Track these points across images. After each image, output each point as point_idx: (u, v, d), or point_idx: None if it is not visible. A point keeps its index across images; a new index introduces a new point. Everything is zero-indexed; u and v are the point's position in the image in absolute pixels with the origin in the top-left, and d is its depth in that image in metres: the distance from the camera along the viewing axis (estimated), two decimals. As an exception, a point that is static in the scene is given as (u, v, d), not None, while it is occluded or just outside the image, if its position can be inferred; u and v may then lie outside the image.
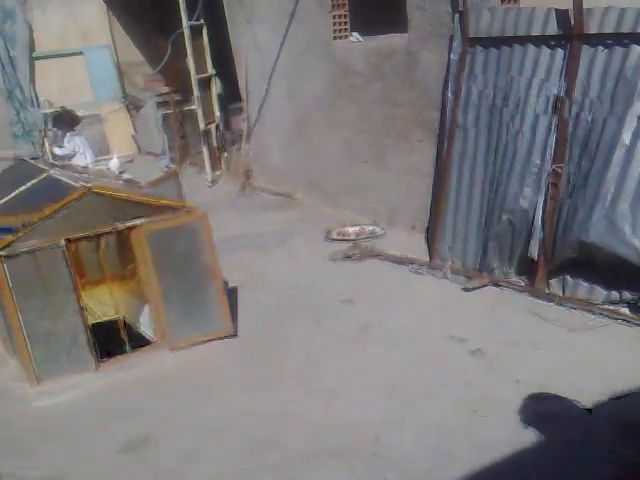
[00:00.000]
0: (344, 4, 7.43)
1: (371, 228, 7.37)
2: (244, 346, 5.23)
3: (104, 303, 5.44)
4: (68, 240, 4.66)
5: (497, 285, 5.69)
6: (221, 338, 5.23)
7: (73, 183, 5.02)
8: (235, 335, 5.30)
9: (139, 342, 5.26)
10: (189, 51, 9.84)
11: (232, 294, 5.86)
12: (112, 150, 12.66)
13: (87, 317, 4.88)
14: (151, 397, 4.68)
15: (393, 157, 7.18)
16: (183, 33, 9.77)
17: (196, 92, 10.08)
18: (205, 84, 10.39)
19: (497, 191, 5.69)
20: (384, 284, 6.08)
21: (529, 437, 3.79)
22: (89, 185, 4.82)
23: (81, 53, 12.78)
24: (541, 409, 4.03)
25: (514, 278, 5.73)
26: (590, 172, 5.01)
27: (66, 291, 4.71)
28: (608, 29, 4.85)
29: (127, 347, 5.14)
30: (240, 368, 4.95)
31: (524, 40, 5.37)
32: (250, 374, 4.84)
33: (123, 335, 5.15)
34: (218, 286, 5.17)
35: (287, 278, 6.46)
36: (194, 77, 9.99)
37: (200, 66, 10.16)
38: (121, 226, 4.83)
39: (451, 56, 6.02)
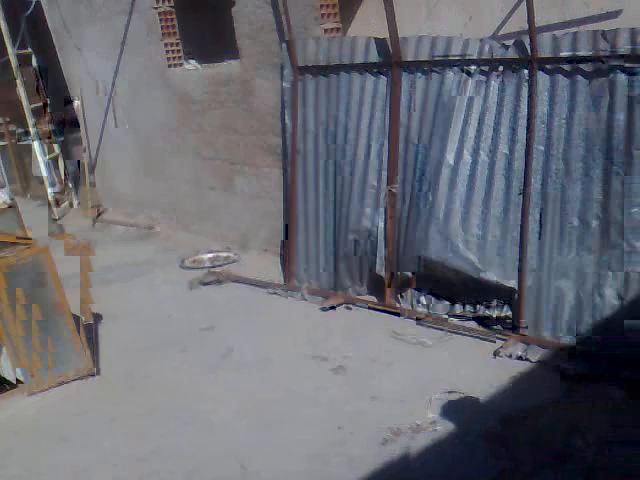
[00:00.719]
0: (174, 32, 7.39)
1: (226, 254, 7.40)
2: (106, 384, 5.08)
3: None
4: None
5: (352, 304, 5.88)
6: (81, 378, 5.07)
7: None
8: (95, 373, 5.15)
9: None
10: (18, 80, 9.40)
11: (89, 331, 5.60)
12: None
13: None
14: (8, 446, 4.42)
15: (241, 182, 7.23)
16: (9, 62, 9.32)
17: (30, 122, 9.63)
18: (40, 113, 9.94)
19: (341, 212, 5.89)
20: (243, 309, 6.12)
21: (392, 449, 3.94)
22: None
23: None
24: (400, 421, 4.17)
25: (367, 296, 5.95)
26: (422, 191, 5.31)
27: None
28: (423, 56, 5.15)
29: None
30: (103, 407, 4.78)
31: (349, 68, 5.58)
32: (114, 412, 4.69)
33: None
34: (69, 323, 4.98)
35: (145, 310, 6.34)
36: (27, 106, 9.55)
37: (33, 95, 9.73)
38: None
39: (283, 84, 6.14)
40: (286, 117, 6.20)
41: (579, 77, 4.52)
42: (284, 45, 6.03)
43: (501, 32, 5.25)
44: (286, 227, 6.54)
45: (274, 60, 6.23)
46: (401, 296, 5.65)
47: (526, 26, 4.62)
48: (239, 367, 5.12)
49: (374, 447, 3.98)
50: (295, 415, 4.41)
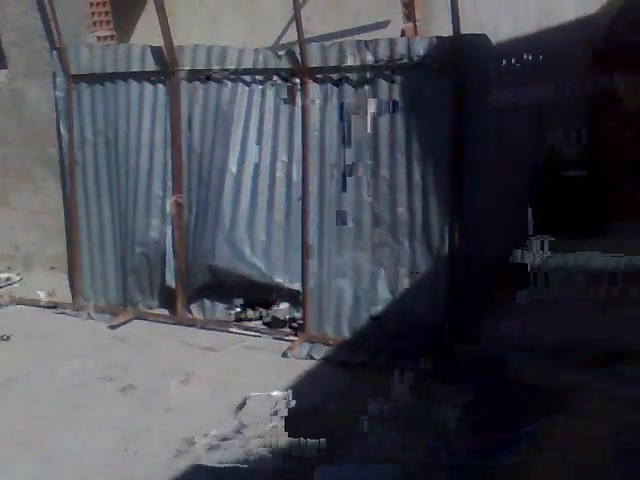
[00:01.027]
0: None
1: (6, 275, 6.86)
2: None
3: None
4: None
5: (143, 318, 5.74)
6: None
7: None
8: None
9: None
10: None
11: None
12: None
13: None
14: None
15: (17, 197, 6.76)
16: None
17: None
18: None
19: (127, 224, 5.72)
20: (25, 333, 5.70)
21: (184, 461, 3.87)
22: None
23: None
24: (194, 431, 4.10)
25: (159, 309, 5.83)
26: (208, 200, 5.31)
27: None
28: (200, 65, 5.18)
29: None
30: None
31: (126, 76, 5.47)
32: None
33: None
34: None
35: None
36: None
37: None
38: None
39: (56, 93, 5.87)
40: (61, 127, 5.92)
41: (347, 86, 4.80)
42: (55, 52, 5.78)
43: (282, 41, 5.39)
44: (69, 243, 6.22)
45: (45, 68, 5.94)
46: (192, 306, 5.61)
47: (305, 35, 4.81)
48: (19, 397, 4.77)
49: (165, 461, 3.87)
50: (79, 443, 4.16)
